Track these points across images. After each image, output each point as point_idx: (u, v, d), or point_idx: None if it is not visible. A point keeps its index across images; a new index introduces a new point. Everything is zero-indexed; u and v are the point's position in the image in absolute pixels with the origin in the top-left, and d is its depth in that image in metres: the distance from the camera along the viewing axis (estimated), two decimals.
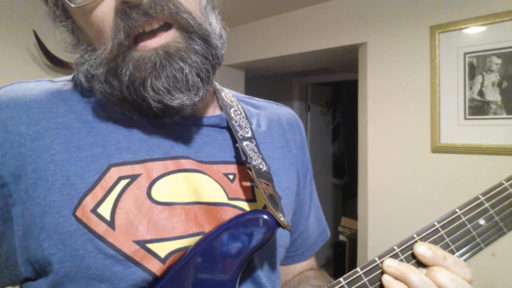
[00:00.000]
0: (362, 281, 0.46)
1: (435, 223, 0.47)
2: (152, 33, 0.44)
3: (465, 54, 1.78)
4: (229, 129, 0.56)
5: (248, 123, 0.58)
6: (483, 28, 1.73)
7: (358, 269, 0.46)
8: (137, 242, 0.44)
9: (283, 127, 0.65)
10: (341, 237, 3.36)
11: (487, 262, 1.69)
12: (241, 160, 0.54)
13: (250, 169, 0.50)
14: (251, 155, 0.53)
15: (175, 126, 0.52)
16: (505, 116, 1.68)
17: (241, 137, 0.55)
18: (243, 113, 0.60)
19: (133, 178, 0.47)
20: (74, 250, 0.43)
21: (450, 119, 1.82)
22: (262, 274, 0.53)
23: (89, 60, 0.47)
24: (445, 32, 1.83)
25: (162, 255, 0.45)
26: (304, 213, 0.67)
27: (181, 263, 0.45)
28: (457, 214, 0.47)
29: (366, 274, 0.46)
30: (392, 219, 2.03)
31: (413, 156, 1.96)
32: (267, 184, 0.51)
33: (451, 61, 1.81)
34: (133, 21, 0.42)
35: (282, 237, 0.56)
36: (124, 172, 0.46)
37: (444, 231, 0.47)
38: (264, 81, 4.11)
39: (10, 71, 2.02)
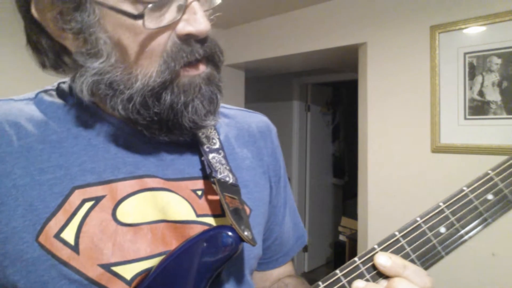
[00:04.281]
0: None
1: (396, 233, 0.47)
2: (197, 62, 0.48)
3: (465, 54, 1.78)
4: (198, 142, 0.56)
5: (216, 134, 0.58)
6: (483, 28, 1.73)
7: (320, 282, 0.47)
8: (102, 266, 0.44)
9: (254, 135, 0.64)
10: (341, 237, 3.36)
11: (487, 262, 1.69)
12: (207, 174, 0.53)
13: (215, 183, 0.51)
14: (217, 168, 0.53)
15: (142, 144, 0.51)
16: (505, 116, 1.68)
17: (207, 150, 0.55)
18: None
19: (98, 200, 0.46)
20: (38, 276, 0.43)
21: (450, 119, 1.82)
22: (230, 287, 0.53)
23: (119, 79, 0.46)
24: (445, 32, 1.83)
25: (128, 277, 0.45)
26: (278, 219, 0.66)
27: (146, 282, 0.45)
28: (418, 223, 0.47)
29: (327, 287, 0.46)
30: (392, 219, 2.03)
31: (413, 156, 1.96)
32: (233, 198, 0.51)
33: (451, 61, 1.81)
34: (195, 53, 0.46)
35: (253, 249, 0.56)
36: (88, 194, 0.46)
37: (405, 240, 0.47)
38: (264, 81, 4.11)
39: (10, 71, 2.02)
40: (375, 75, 2.12)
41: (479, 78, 1.74)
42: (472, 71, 1.76)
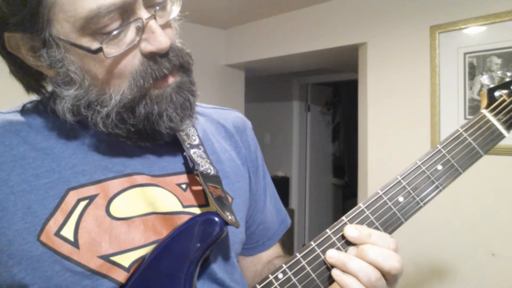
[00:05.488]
0: (301, 264, 0.52)
1: (361, 205, 0.53)
2: (165, 75, 0.51)
3: (465, 54, 1.78)
4: (178, 140, 0.60)
5: (195, 131, 0.62)
6: (483, 28, 1.73)
7: (297, 253, 0.52)
8: (102, 257, 0.49)
9: (231, 130, 0.69)
10: None
11: (487, 262, 1.69)
12: (190, 169, 0.57)
13: (198, 175, 0.54)
14: (199, 162, 0.57)
15: (127, 146, 0.55)
16: None
17: (188, 146, 0.58)
18: None
19: (91, 198, 0.50)
20: (43, 272, 0.46)
21: (450, 119, 1.82)
22: (218, 269, 0.57)
23: (95, 100, 0.49)
24: (445, 32, 1.83)
25: (126, 264, 0.50)
26: (259, 206, 0.71)
27: (142, 268, 0.50)
28: (379, 195, 0.54)
29: (304, 257, 0.52)
30: None
31: (413, 156, 1.95)
32: (216, 187, 0.56)
33: (451, 61, 1.81)
34: (163, 68, 0.49)
35: (236, 234, 0.61)
36: (82, 194, 0.50)
37: (369, 211, 0.53)
38: (264, 81, 4.11)
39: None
40: (375, 75, 2.13)
41: (479, 78, 1.74)
42: (472, 71, 1.76)
